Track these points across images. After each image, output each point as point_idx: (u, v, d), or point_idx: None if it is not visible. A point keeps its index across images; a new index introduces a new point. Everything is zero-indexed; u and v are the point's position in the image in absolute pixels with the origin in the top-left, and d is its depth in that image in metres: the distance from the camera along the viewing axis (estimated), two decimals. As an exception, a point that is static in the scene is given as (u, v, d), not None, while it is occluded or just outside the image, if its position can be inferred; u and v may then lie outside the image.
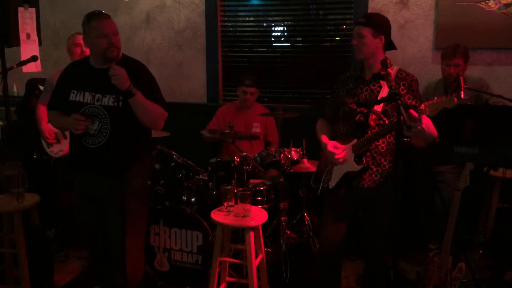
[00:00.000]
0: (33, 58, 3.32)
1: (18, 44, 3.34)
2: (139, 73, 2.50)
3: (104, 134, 2.46)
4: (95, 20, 2.43)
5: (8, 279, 2.97)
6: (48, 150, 3.51)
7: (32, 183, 3.09)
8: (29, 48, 3.42)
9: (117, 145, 2.45)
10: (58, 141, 3.48)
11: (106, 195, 2.53)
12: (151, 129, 2.73)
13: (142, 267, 2.71)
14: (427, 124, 2.09)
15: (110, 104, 2.45)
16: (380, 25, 2.44)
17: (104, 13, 2.48)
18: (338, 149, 2.48)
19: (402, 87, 2.42)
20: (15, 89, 4.77)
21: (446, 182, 3.23)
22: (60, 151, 3.49)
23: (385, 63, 2.30)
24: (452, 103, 2.05)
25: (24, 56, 3.39)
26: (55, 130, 3.44)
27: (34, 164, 3.65)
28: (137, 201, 2.54)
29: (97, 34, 2.42)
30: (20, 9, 3.32)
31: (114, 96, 2.45)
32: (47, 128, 3.44)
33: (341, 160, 2.47)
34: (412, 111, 2.08)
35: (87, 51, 2.76)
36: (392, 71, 2.39)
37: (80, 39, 3.37)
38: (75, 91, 2.51)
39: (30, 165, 3.68)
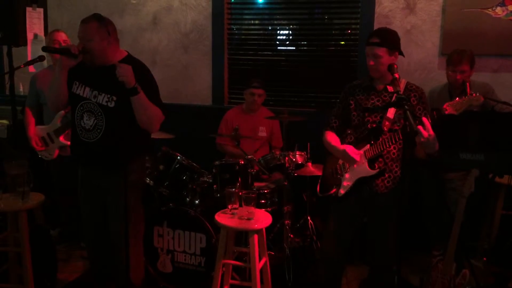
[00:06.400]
0: (40, 58, 3.34)
1: (25, 44, 3.36)
2: (142, 74, 2.52)
3: (99, 130, 2.53)
4: None
5: (11, 278, 2.97)
6: (39, 154, 3.53)
7: (37, 183, 3.10)
8: (36, 48, 3.45)
9: (112, 142, 2.51)
10: (47, 145, 3.49)
11: (105, 188, 2.63)
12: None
13: (141, 261, 2.82)
14: (433, 135, 2.11)
15: (104, 103, 2.52)
16: (395, 42, 2.44)
17: (86, 18, 2.48)
18: (356, 153, 2.47)
19: (413, 98, 2.45)
20: (21, 89, 4.79)
21: (456, 189, 3.21)
22: (49, 155, 3.49)
23: (391, 68, 2.30)
24: (479, 100, 2.06)
25: (31, 55, 3.41)
26: (41, 134, 3.46)
27: (39, 164, 3.65)
28: (131, 195, 2.56)
29: None
30: (28, 9, 3.35)
31: (108, 95, 2.51)
32: (34, 136, 3.47)
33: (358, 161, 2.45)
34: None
35: None
36: (401, 84, 2.40)
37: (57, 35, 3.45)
38: (78, 83, 2.59)
39: (35, 164, 3.69)
